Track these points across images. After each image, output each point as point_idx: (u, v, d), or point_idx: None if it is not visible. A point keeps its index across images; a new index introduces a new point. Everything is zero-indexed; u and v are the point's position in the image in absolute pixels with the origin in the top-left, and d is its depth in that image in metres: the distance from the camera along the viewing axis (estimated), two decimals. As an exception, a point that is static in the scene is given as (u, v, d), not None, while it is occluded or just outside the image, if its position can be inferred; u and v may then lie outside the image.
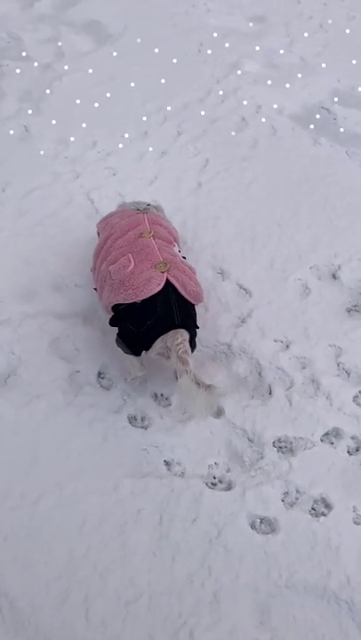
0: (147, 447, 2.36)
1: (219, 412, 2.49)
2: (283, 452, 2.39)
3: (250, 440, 2.42)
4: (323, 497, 2.27)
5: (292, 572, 2.09)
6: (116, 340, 2.38)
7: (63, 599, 2.00)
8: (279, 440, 2.42)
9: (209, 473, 2.33)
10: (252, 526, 2.20)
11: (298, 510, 2.24)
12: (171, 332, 2.27)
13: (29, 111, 3.75)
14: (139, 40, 4.26)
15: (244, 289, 2.90)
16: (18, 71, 4.00)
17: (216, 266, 2.99)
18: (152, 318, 2.27)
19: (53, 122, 3.67)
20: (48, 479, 2.24)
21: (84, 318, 2.75)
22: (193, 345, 2.36)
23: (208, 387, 2.19)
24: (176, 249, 2.54)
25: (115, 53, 4.17)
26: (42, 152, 3.52)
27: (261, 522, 2.21)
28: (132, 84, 3.94)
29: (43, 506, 2.18)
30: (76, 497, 2.21)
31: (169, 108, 3.83)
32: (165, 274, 2.31)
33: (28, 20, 4.42)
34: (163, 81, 3.97)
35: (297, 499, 2.27)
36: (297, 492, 2.28)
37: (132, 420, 2.45)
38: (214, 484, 2.31)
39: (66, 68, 4.05)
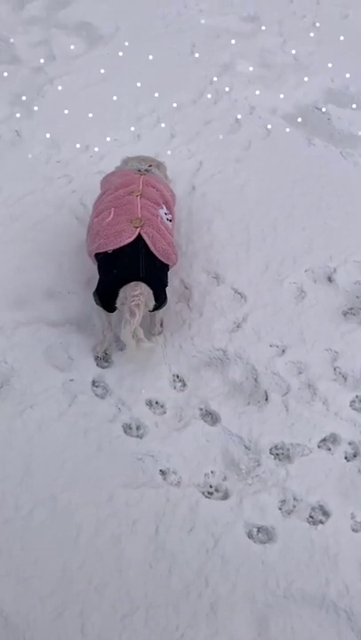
0: (142, 456, 2.33)
1: (214, 420, 2.47)
2: (280, 459, 2.37)
3: (246, 447, 2.39)
4: (320, 504, 2.25)
5: (290, 581, 2.07)
6: (93, 293, 2.49)
7: (59, 614, 1.97)
8: (276, 447, 2.40)
9: (205, 482, 2.31)
10: (250, 535, 2.17)
11: (295, 518, 2.22)
12: (132, 284, 2.35)
13: (20, 115, 3.72)
14: (130, 41, 4.22)
15: (238, 293, 2.88)
16: (8, 74, 3.96)
17: (210, 270, 2.96)
18: (118, 268, 2.40)
19: (45, 125, 3.64)
20: (42, 490, 2.22)
21: (77, 326, 2.72)
22: (160, 304, 2.49)
23: (139, 339, 2.32)
24: (162, 211, 2.63)
25: (106, 55, 4.14)
26: (33, 156, 3.49)
27: (259, 531, 2.19)
28: (124, 86, 3.91)
29: (36, 518, 2.15)
30: (70, 508, 2.18)
31: (162, 110, 3.79)
32: (138, 229, 2.43)
33: (19, 23, 4.38)
34: (155, 82, 3.93)
35: (294, 506, 2.24)
36: (294, 499, 2.26)
37: (126, 428, 2.43)
38: (211, 493, 2.28)
39: (57, 70, 4.01)
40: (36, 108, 3.76)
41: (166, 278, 2.55)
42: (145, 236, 2.43)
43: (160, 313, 2.64)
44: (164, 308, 2.63)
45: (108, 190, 2.71)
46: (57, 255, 2.98)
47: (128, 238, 2.42)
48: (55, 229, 3.11)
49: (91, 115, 3.72)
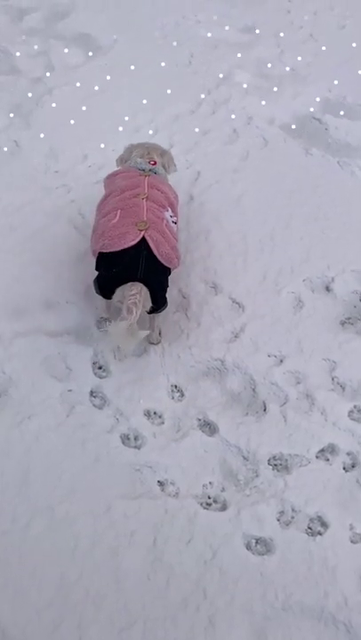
0: (140, 467, 2.33)
1: (213, 430, 2.46)
2: (278, 470, 2.36)
3: (244, 458, 2.39)
4: (319, 515, 2.24)
5: (289, 593, 2.06)
6: (93, 281, 2.59)
7: (56, 626, 1.96)
8: (274, 457, 2.39)
9: (203, 493, 2.30)
10: (248, 547, 2.17)
11: (294, 529, 2.21)
12: (129, 284, 2.41)
13: (19, 125, 3.73)
14: (129, 52, 4.25)
15: (236, 303, 2.88)
16: (7, 85, 3.98)
17: (208, 280, 2.97)
18: (119, 267, 2.46)
19: (43, 136, 3.65)
20: (39, 502, 2.21)
21: (76, 336, 2.72)
22: (159, 307, 2.53)
23: (133, 331, 2.35)
24: (168, 214, 2.68)
25: (105, 66, 4.16)
26: (32, 166, 3.50)
27: (257, 542, 2.18)
28: (123, 97, 3.93)
29: (34, 529, 2.14)
30: (67, 519, 2.17)
31: (160, 120, 3.81)
32: (143, 232, 2.48)
33: (18, 34, 4.40)
34: (153, 93, 3.95)
35: (293, 518, 2.24)
36: (293, 510, 2.25)
37: (124, 439, 2.42)
38: (209, 504, 2.28)
39: (56, 81, 4.03)
40: (34, 119, 3.77)
41: (167, 282, 2.60)
42: (149, 239, 2.48)
43: (158, 319, 2.65)
44: (162, 317, 2.64)
45: (113, 192, 2.75)
46: (55, 265, 2.99)
47: (132, 241, 2.47)
48: (54, 239, 3.11)
49: (89, 125, 3.74)
